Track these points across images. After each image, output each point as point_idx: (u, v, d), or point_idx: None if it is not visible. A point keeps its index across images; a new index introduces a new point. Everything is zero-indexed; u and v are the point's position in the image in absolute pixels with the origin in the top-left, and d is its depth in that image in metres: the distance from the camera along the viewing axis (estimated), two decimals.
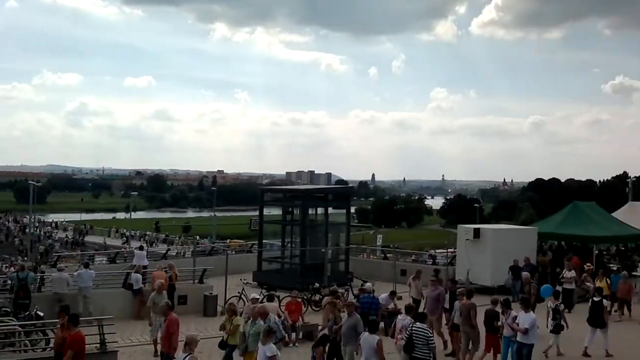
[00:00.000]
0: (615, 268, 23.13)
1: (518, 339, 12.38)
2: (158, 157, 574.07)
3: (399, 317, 13.10)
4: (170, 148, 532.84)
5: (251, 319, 12.35)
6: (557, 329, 14.41)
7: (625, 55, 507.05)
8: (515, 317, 12.55)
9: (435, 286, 15.85)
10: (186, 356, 9.73)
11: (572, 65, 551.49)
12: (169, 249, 37.59)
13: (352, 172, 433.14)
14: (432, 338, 11.20)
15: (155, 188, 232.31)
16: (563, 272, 20.79)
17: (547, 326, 14.51)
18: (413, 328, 11.20)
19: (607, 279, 19.60)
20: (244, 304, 18.18)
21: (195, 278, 21.80)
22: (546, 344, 14.47)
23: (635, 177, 77.15)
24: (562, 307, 15.19)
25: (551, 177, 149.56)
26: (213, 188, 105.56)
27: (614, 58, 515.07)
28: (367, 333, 11.01)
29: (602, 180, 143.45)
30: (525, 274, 18.79)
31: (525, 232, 26.18)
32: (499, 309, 13.20)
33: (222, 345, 12.92)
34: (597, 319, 14.73)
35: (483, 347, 13.36)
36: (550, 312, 14.62)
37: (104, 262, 31.27)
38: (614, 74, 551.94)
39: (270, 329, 10.74)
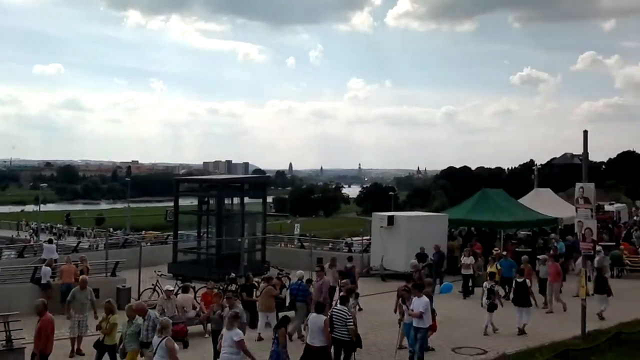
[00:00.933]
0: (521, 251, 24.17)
1: (414, 323, 12.49)
2: (69, 147, 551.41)
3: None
4: (82, 138, 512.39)
5: (128, 318, 11.55)
6: (491, 308, 15.25)
7: (533, 48, 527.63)
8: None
9: (321, 276, 15.95)
10: (162, 339, 9.73)
11: (482, 57, 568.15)
12: (79, 242, 36.48)
13: (270, 161, 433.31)
14: (350, 320, 11.76)
15: (66, 179, 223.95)
16: (461, 258, 21.52)
17: (482, 305, 15.45)
18: (333, 310, 12.08)
19: (497, 264, 19.64)
20: (159, 296, 17.99)
21: (107, 271, 21.36)
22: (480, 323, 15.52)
23: (540, 164, 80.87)
24: (496, 287, 16.06)
25: (462, 165, 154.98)
26: (127, 179, 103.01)
27: (522, 50, 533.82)
28: (314, 314, 11.56)
29: (510, 168, 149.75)
30: (413, 262, 19.53)
31: (436, 218, 27.07)
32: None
33: (98, 345, 12.14)
34: (522, 299, 15.60)
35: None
36: (485, 292, 15.50)
37: (12, 256, 30.06)
38: (522, 66, 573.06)
39: (236, 314, 10.80)
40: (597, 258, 20.32)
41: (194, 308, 16.14)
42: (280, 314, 14.63)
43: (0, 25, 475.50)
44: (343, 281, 16.37)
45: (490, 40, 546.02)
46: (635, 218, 47.81)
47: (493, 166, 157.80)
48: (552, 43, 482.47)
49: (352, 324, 11.81)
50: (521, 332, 15.25)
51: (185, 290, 16.86)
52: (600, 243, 24.23)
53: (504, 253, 21.45)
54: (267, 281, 16.45)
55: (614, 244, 27.28)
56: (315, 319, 11.37)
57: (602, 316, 16.53)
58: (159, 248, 30.92)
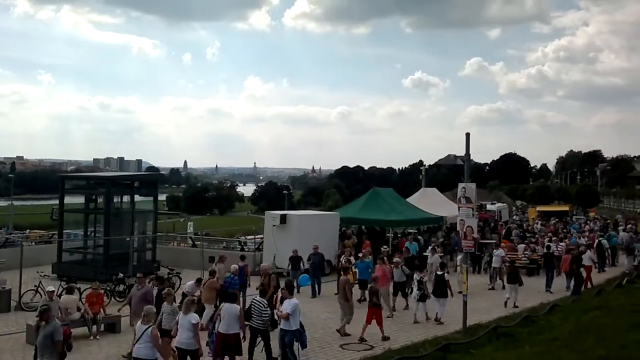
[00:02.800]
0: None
1: (281, 325, 12.25)
2: None
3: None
4: None
5: None
6: (422, 298, 16.72)
7: (424, 53, 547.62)
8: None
9: (143, 284, 14.26)
10: (147, 327, 10.45)
11: (376, 60, 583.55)
12: None
13: (164, 159, 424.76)
14: (266, 310, 12.82)
15: None
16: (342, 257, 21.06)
17: (414, 296, 16.94)
18: (252, 301, 13.15)
19: (353, 267, 18.86)
20: (41, 297, 17.26)
21: None
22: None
23: (429, 165, 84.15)
24: (425, 279, 17.43)
25: (356, 165, 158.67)
26: (11, 175, 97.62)
27: (414, 55, 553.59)
28: (228, 303, 12.19)
29: (400, 168, 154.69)
30: (263, 265, 18.49)
31: (328, 217, 27.53)
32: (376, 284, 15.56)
33: None
34: (440, 291, 17.00)
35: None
36: (416, 283, 16.90)
37: None
38: (414, 70, 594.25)
39: (193, 300, 12.42)
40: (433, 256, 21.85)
41: (79, 310, 15.60)
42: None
43: None
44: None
45: (383, 44, 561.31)
46: (515, 217, 50.78)
47: (385, 166, 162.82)
48: (442, 49, 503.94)
49: (267, 315, 12.87)
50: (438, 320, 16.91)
51: (69, 291, 16.23)
52: (482, 240, 25.62)
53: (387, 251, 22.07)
54: (212, 274, 16.90)
55: (495, 241, 28.79)
56: (230, 308, 11.99)
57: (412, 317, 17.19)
58: (44, 248, 29.54)
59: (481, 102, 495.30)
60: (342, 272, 17.77)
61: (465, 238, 15.64)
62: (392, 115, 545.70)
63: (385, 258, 18.64)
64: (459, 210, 15.98)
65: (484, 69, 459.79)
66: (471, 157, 16.56)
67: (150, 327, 10.51)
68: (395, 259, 19.40)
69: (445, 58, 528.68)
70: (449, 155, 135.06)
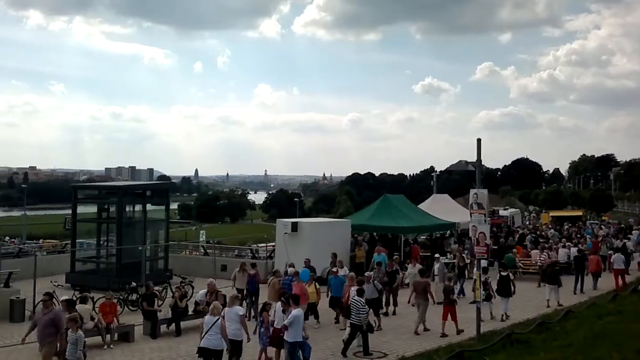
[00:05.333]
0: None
1: (285, 337, 12.08)
2: None
3: (352, 288, 15.49)
4: None
5: None
6: (488, 298, 17.52)
7: (434, 59, 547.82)
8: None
9: (49, 307, 12.28)
10: (217, 319, 11.31)
11: (386, 67, 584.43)
12: None
13: (176, 167, 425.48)
14: (363, 309, 13.94)
15: None
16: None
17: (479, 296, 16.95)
18: (350, 300, 14.44)
19: (316, 283, 17.65)
20: (55, 307, 17.30)
21: (0, 282, 20.35)
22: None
23: (440, 171, 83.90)
24: (490, 279, 18.22)
25: (367, 172, 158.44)
26: (24, 185, 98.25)
27: (424, 61, 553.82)
28: (280, 302, 13.07)
29: (411, 175, 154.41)
30: (210, 281, 17.39)
31: (340, 224, 27.46)
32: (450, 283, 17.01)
33: None
34: (505, 290, 18.10)
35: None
36: (481, 284, 16.97)
37: None
38: (424, 76, 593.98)
39: (237, 296, 13.31)
40: (437, 265, 21.29)
41: (92, 319, 15.66)
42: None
43: None
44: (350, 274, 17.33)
45: (393, 50, 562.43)
46: (527, 222, 50.48)
47: (396, 172, 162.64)
48: (452, 54, 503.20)
49: (364, 313, 13.94)
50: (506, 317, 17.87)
51: (83, 300, 16.35)
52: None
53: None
54: (275, 274, 18.03)
55: (496, 248, 28.62)
56: (234, 310, 12.37)
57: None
58: (57, 257, 29.73)
59: (492, 107, 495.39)
60: (421, 275, 17.62)
61: (478, 244, 15.54)
62: (402, 122, 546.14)
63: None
64: (471, 216, 15.90)
65: (495, 73, 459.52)
66: (483, 163, 16.52)
67: (219, 319, 11.36)
68: (366, 273, 18.54)
69: (456, 63, 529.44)
70: (460, 161, 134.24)
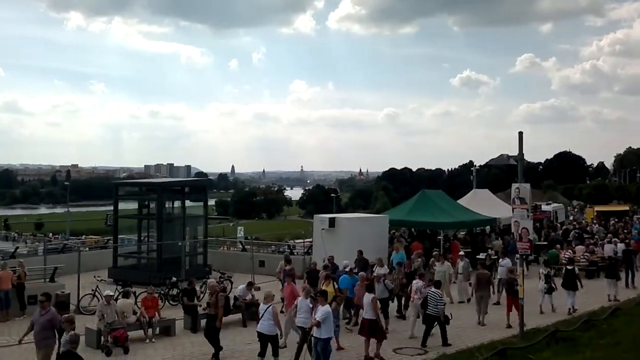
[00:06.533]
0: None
1: (314, 333, 11.91)
2: (7, 151, 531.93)
3: (414, 281, 16.09)
4: (20, 142, 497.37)
5: None
6: (549, 290, 18.17)
7: (472, 51, 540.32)
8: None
9: (46, 308, 11.72)
10: (268, 306, 12.25)
11: (423, 60, 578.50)
12: (17, 247, 35.26)
13: (212, 164, 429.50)
14: (441, 300, 14.47)
15: (4, 184, 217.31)
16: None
17: (541, 289, 18.23)
18: (428, 292, 14.75)
19: (335, 283, 16.07)
20: (99, 301, 17.58)
21: (46, 277, 20.82)
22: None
23: (479, 165, 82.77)
24: (552, 272, 19.14)
25: (403, 167, 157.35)
26: (66, 183, 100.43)
27: (461, 53, 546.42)
28: (367, 293, 13.64)
29: (450, 169, 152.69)
30: (210, 281, 16.48)
31: (377, 220, 27.26)
32: (514, 275, 16.79)
33: None
34: (571, 284, 18.34)
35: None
36: (543, 277, 18.36)
37: None
38: (462, 69, 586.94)
39: (272, 294, 13.23)
40: (461, 263, 20.59)
41: (134, 313, 15.86)
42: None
43: None
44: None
45: (430, 43, 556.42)
46: (571, 217, 49.43)
47: (433, 167, 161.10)
48: (491, 46, 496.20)
49: (442, 304, 14.41)
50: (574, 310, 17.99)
51: (125, 295, 16.60)
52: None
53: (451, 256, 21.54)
54: (325, 269, 17.85)
55: (547, 243, 28.15)
56: (366, 298, 13.43)
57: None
58: (99, 253, 30.26)
59: (533, 99, 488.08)
60: (480, 267, 18.09)
61: (521, 240, 15.24)
62: (440, 116, 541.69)
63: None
64: (513, 211, 15.59)
65: (536, 65, 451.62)
66: (524, 157, 16.17)
67: (272, 306, 12.23)
68: (376, 272, 17.63)
69: (495, 55, 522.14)
70: (501, 155, 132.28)
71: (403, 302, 17.76)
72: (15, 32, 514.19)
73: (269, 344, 12.37)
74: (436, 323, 14.55)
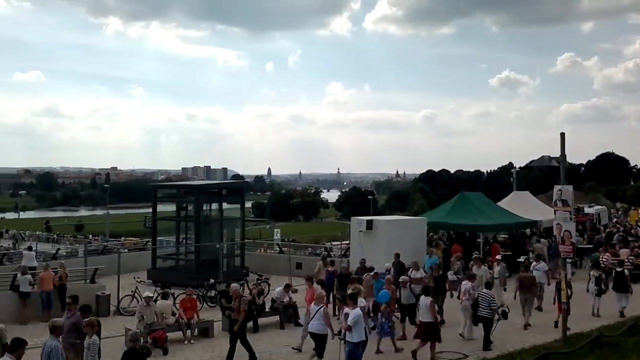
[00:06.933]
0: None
1: (346, 338, 11.78)
2: (48, 154, 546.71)
3: (463, 282, 15.88)
4: (61, 145, 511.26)
5: None
6: (599, 293, 17.93)
7: (511, 51, 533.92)
8: (347, 314, 12.06)
9: (72, 311, 11.78)
10: (320, 307, 12.48)
11: (461, 61, 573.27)
12: (59, 249, 36.00)
13: (249, 166, 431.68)
14: (493, 301, 14.37)
15: (46, 186, 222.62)
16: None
17: (591, 291, 18.11)
18: (479, 293, 14.72)
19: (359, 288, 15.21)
20: (138, 302, 17.77)
21: (86, 278, 21.15)
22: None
23: (519, 167, 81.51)
24: (603, 276, 18.72)
25: (441, 169, 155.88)
26: (106, 185, 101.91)
27: (500, 53, 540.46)
28: (423, 296, 13.57)
29: (489, 171, 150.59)
30: (233, 286, 15.48)
31: (415, 222, 26.96)
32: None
33: None
34: (622, 286, 18.31)
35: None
36: (594, 279, 18.09)
37: None
38: (501, 69, 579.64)
39: (324, 295, 13.85)
40: (497, 268, 19.65)
41: (173, 314, 15.99)
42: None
43: None
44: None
45: (468, 43, 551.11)
46: (614, 220, 48.28)
47: (472, 169, 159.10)
48: (530, 45, 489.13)
49: (495, 305, 14.34)
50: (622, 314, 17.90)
51: (164, 296, 16.74)
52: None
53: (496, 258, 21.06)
54: (370, 271, 17.57)
55: (592, 246, 27.50)
56: (424, 300, 13.42)
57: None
58: (138, 254, 30.69)
59: (574, 99, 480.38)
60: (523, 269, 18.13)
61: (563, 243, 14.91)
62: (478, 117, 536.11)
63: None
64: (555, 213, 15.26)
65: (577, 64, 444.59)
66: (566, 158, 15.82)
67: (322, 307, 12.55)
68: (402, 278, 16.64)
69: (534, 55, 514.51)
70: (542, 156, 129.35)
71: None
72: (55, 38, 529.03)
73: (317, 343, 12.55)
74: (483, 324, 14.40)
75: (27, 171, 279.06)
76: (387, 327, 14.04)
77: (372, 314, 14.64)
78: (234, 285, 15.68)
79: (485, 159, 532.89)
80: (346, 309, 12.21)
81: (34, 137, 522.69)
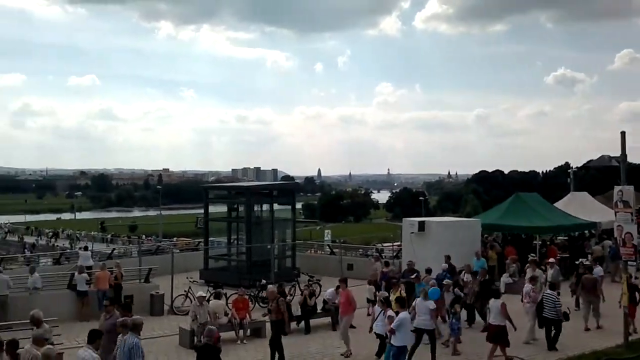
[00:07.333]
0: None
1: (391, 341, 11.76)
2: (102, 156, 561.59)
3: (525, 285, 15.61)
4: (115, 147, 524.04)
5: None
6: None
7: (567, 48, 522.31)
8: (391, 317, 11.94)
9: (111, 312, 11.96)
10: (499, 302, 13.01)
11: (514, 59, 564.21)
12: (114, 249, 36.83)
13: (298, 168, 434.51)
14: (558, 302, 14.08)
15: (100, 188, 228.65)
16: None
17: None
18: (544, 294, 14.52)
19: (402, 291, 14.91)
20: (191, 302, 18.00)
21: (141, 277, 21.52)
22: None
23: (576, 167, 79.22)
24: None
25: (495, 169, 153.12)
26: (158, 187, 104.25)
27: (556, 50, 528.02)
28: (493, 299, 13.48)
29: (544, 171, 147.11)
30: (270, 287, 15.48)
31: (469, 224, 26.50)
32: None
33: None
34: None
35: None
36: None
37: (48, 263, 30.57)
38: (556, 66, 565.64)
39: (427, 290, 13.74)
40: (550, 271, 18.72)
41: (226, 314, 16.09)
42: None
43: (37, 40, 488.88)
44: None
45: (521, 41, 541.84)
46: None
47: (527, 169, 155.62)
48: (587, 42, 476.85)
49: (560, 305, 14.03)
50: None
51: (217, 296, 16.89)
52: None
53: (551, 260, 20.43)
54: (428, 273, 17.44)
55: None
56: (495, 303, 13.27)
57: None
58: (190, 255, 31.08)
59: (634, 97, 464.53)
60: (586, 271, 17.36)
61: (624, 245, 14.43)
62: (533, 116, 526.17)
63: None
64: (615, 215, 14.79)
65: (637, 61, 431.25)
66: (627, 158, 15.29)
67: (429, 302, 12.96)
68: (446, 281, 16.18)
69: (592, 52, 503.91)
70: (602, 156, 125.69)
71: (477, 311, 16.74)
72: (109, 43, 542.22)
73: (381, 343, 12.71)
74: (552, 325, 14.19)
75: (83, 173, 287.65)
76: (456, 327, 14.00)
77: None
78: (270, 286, 15.78)
79: (540, 159, 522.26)
80: (389, 312, 12.18)
81: (89, 139, 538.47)
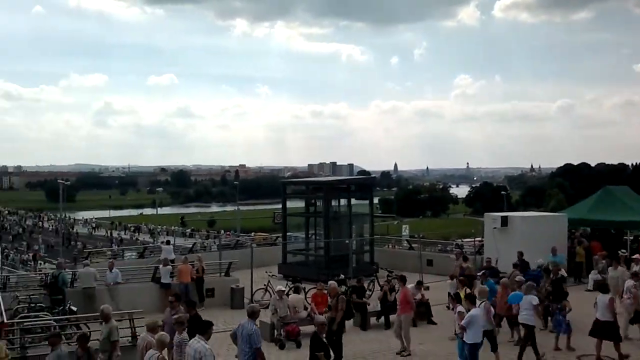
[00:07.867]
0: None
1: (463, 338, 11.52)
2: (181, 153, 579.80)
3: (627, 281, 15.01)
4: (193, 144, 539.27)
5: None
6: None
7: None
8: (461, 313, 11.67)
9: (176, 308, 12.13)
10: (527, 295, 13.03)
11: (600, 47, 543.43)
12: (195, 243, 37.64)
13: (374, 162, 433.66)
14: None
15: (180, 184, 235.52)
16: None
17: None
18: None
19: (467, 288, 14.77)
20: (271, 296, 18.06)
21: (221, 271, 21.85)
22: None
23: None
24: None
25: (581, 162, 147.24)
26: (235, 182, 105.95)
27: None
28: (601, 294, 13.00)
29: (634, 164, 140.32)
30: (331, 283, 15.30)
31: (554, 218, 25.55)
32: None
33: None
34: None
35: None
36: None
37: (133, 257, 31.55)
38: None
39: (533, 285, 13.69)
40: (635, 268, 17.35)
41: (305, 308, 16.05)
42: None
43: (118, 41, 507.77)
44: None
45: (607, 28, 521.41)
46: None
47: (615, 162, 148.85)
48: None
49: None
50: None
51: (296, 290, 16.87)
52: None
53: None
54: (515, 267, 17.40)
55: None
56: (602, 298, 12.86)
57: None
58: (268, 249, 31.32)
59: None
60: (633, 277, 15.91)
61: None
62: (621, 106, 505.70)
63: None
64: None
65: None
66: None
67: (484, 302, 12.26)
68: (503, 280, 15.44)
69: None
70: None
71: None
72: (186, 42, 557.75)
73: (486, 338, 12.11)
74: None
75: (163, 169, 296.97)
76: (564, 324, 13.64)
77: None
78: (331, 282, 15.52)
79: (629, 151, 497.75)
80: (459, 308, 11.94)
81: (168, 137, 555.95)
